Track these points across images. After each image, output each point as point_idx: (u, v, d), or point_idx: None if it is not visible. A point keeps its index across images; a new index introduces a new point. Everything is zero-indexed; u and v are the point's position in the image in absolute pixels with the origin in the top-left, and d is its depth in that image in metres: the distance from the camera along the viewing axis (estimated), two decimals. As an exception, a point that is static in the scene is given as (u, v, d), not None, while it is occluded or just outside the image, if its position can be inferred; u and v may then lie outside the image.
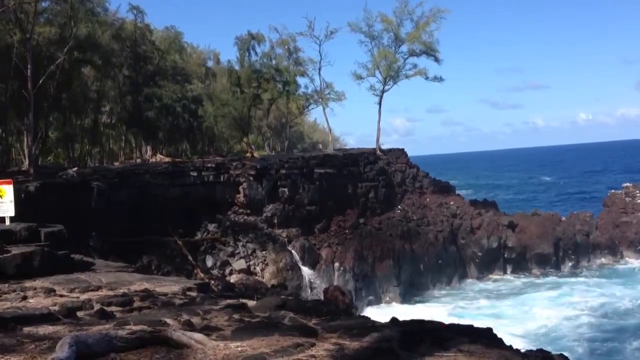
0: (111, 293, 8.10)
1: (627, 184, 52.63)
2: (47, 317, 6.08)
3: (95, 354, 4.46)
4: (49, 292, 7.99)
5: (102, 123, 47.89)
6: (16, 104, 33.56)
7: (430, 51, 47.37)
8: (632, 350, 28.01)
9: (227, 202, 33.50)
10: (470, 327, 5.74)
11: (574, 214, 50.95)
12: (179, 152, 54.33)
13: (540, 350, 5.34)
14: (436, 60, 48.18)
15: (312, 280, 33.01)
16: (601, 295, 37.70)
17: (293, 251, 33.23)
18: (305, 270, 33.06)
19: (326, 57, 68.20)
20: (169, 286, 9.02)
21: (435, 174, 53.67)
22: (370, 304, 36.02)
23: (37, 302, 7.32)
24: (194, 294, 8.48)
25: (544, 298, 37.45)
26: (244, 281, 27.97)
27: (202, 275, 27.16)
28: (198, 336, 4.90)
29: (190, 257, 28.65)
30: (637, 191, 49.84)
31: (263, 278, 30.37)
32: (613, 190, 53.73)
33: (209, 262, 29.95)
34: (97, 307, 6.89)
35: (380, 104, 48.79)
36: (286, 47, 48.81)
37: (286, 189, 35.27)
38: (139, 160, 43.65)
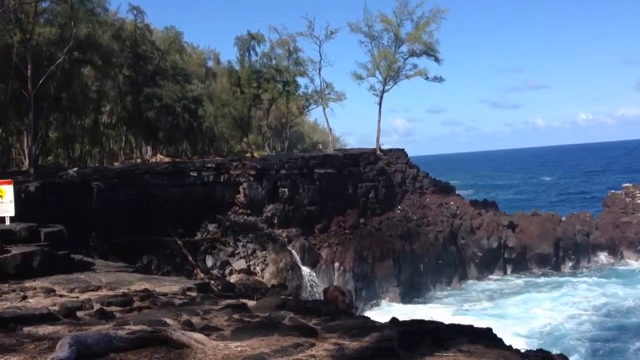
0: (111, 293, 8.10)
1: (627, 184, 52.64)
2: (46, 317, 6.08)
3: (95, 354, 4.46)
4: (49, 292, 8.00)
5: (102, 123, 47.85)
6: (16, 104, 33.54)
7: (430, 51, 47.37)
8: (634, 350, 28.01)
9: (227, 202, 33.51)
10: (471, 327, 5.74)
11: (574, 214, 51.00)
12: (179, 152, 54.29)
13: (540, 351, 5.34)
14: (436, 60, 48.22)
15: (312, 280, 33.01)
16: (603, 295, 37.72)
17: (293, 251, 33.23)
18: (305, 271, 33.06)
19: (326, 57, 68.27)
20: (169, 286, 9.02)
21: (435, 174, 53.67)
22: (370, 304, 36.03)
23: (37, 302, 7.32)
24: (193, 294, 8.49)
25: (546, 298, 37.49)
26: (244, 281, 27.98)
27: (202, 275, 27.17)
28: (198, 336, 4.90)
29: (190, 257, 28.65)
30: (637, 191, 49.83)
31: (263, 278, 30.38)
32: (613, 191, 53.74)
33: (209, 262, 29.95)
34: (96, 307, 6.90)
35: (380, 104, 48.84)
36: (286, 47, 48.82)
37: (286, 189, 35.28)
38: (139, 161, 43.61)
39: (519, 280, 42.94)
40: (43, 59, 33.18)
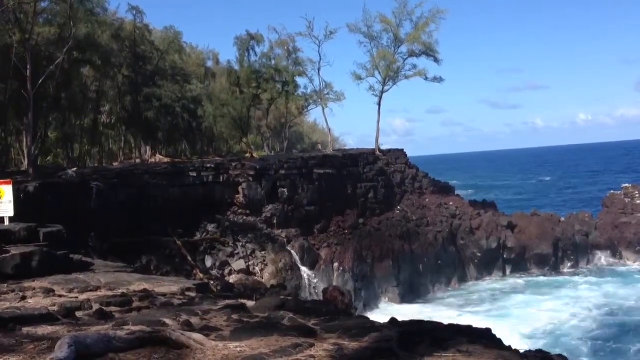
0: (110, 293, 8.10)
1: (627, 185, 52.66)
2: (46, 318, 6.08)
3: (94, 354, 4.46)
4: (48, 292, 8.00)
5: (102, 123, 47.85)
6: (16, 104, 33.54)
7: (429, 52, 47.37)
8: (636, 351, 28.04)
9: (226, 202, 33.50)
10: (470, 327, 5.75)
11: (573, 214, 51.05)
12: (178, 153, 54.30)
13: (540, 351, 5.34)
14: (436, 60, 48.21)
15: (311, 280, 33.01)
16: (603, 295, 37.78)
17: (292, 251, 33.23)
18: (305, 271, 33.07)
19: (325, 57, 68.13)
20: (168, 286, 9.02)
21: (434, 174, 53.69)
22: (369, 304, 36.04)
23: (36, 303, 7.32)
24: (193, 294, 8.48)
25: (546, 298, 37.56)
26: (243, 281, 27.98)
27: (201, 275, 27.16)
28: (197, 336, 4.90)
29: (189, 258, 28.64)
30: (637, 192, 49.87)
31: (262, 278, 30.38)
32: (612, 191, 53.77)
33: (208, 263, 29.94)
34: (96, 307, 6.90)
35: (379, 104, 48.83)
36: (285, 47, 48.79)
37: (285, 190, 35.29)
38: (138, 161, 43.61)
39: (519, 280, 42.99)
40: (42, 59, 33.19)
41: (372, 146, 48.08)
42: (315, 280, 33.26)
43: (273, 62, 47.54)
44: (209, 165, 33.78)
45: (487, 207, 48.74)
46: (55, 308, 6.72)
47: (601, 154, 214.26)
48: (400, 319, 6.24)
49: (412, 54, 47.82)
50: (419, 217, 43.42)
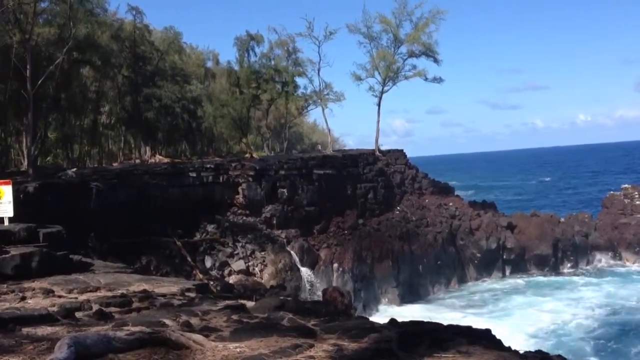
0: (110, 294, 8.10)
1: (626, 186, 52.67)
2: (45, 318, 6.07)
3: (93, 354, 4.46)
4: (48, 292, 7.99)
5: (101, 123, 47.86)
6: (15, 104, 33.54)
7: (429, 52, 47.38)
8: (637, 352, 28.05)
9: (226, 202, 33.50)
10: (469, 328, 5.75)
11: (573, 215, 51.07)
12: (178, 153, 54.28)
13: (539, 352, 5.34)
14: (435, 61, 48.22)
15: (311, 281, 33.01)
16: (603, 295, 37.81)
17: (292, 252, 33.23)
18: (304, 271, 33.06)
19: (325, 57, 68.23)
20: (168, 287, 9.02)
21: (434, 175, 53.72)
22: (369, 305, 36.03)
23: (36, 303, 7.31)
24: (192, 294, 8.48)
25: (546, 298, 37.58)
26: (242, 282, 27.98)
27: (201, 276, 27.16)
28: (197, 337, 4.90)
29: (189, 258, 28.64)
30: (636, 192, 49.88)
31: (262, 279, 30.37)
32: (612, 192, 53.79)
33: (208, 263, 29.93)
34: (95, 308, 6.89)
35: (379, 105, 48.84)
36: (285, 47, 48.81)
37: (285, 190, 35.28)
38: (138, 161, 43.60)
39: (519, 281, 43.01)
40: (42, 59, 33.18)
41: (372, 147, 48.09)
42: (315, 281, 33.25)
43: (273, 62, 47.57)
44: (208, 166, 33.78)
45: (486, 208, 48.75)
46: (55, 308, 6.72)
47: (601, 155, 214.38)
48: (399, 319, 6.24)
49: (411, 54, 47.86)
50: (418, 217, 43.43)
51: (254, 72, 45.84)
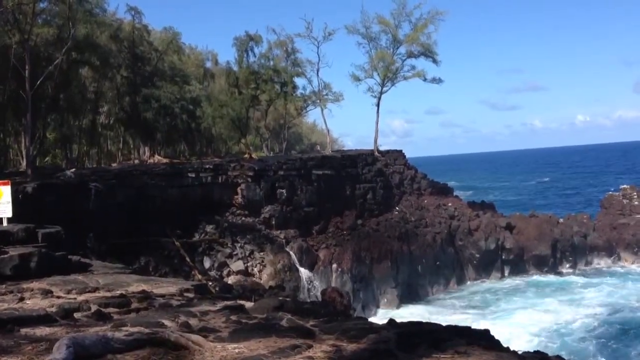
0: (108, 294, 8.09)
1: (625, 186, 52.76)
2: (44, 319, 6.07)
3: (92, 355, 4.46)
4: (46, 293, 7.98)
5: (100, 124, 47.81)
6: (14, 104, 33.53)
7: (428, 53, 47.42)
8: (638, 353, 28.07)
9: (225, 203, 33.49)
10: (468, 328, 5.76)
11: (572, 215, 51.14)
12: (177, 153, 54.25)
13: (538, 352, 5.35)
14: (434, 61, 48.27)
15: (310, 281, 33.01)
16: (603, 296, 37.85)
17: (291, 252, 33.22)
18: (303, 272, 33.05)
19: (324, 58, 68.03)
20: (167, 287, 9.01)
21: (433, 175, 53.74)
22: (368, 306, 36.02)
23: (35, 304, 7.30)
24: (191, 295, 8.48)
25: (546, 299, 37.56)
26: (241, 282, 27.96)
27: (199, 276, 27.15)
28: (195, 338, 4.90)
29: (187, 259, 28.63)
30: (635, 193, 49.96)
31: (261, 279, 30.36)
32: (611, 192, 53.84)
33: (207, 264, 29.92)
34: (94, 308, 6.89)
35: (378, 105, 48.87)
36: (284, 48, 48.84)
37: (284, 190, 35.28)
38: (136, 161, 43.59)
39: (518, 281, 43.02)
40: (41, 60, 33.17)
41: (371, 147, 48.10)
42: (314, 282, 33.25)
43: (272, 62, 47.54)
44: (207, 166, 33.78)
45: (485, 208, 48.77)
46: (54, 309, 6.71)
47: (599, 155, 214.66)
48: (398, 320, 6.25)
49: (410, 55, 47.90)
50: (417, 218, 43.44)
51: (253, 73, 45.81)
